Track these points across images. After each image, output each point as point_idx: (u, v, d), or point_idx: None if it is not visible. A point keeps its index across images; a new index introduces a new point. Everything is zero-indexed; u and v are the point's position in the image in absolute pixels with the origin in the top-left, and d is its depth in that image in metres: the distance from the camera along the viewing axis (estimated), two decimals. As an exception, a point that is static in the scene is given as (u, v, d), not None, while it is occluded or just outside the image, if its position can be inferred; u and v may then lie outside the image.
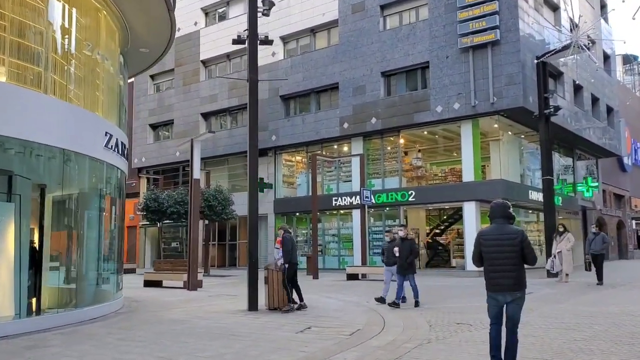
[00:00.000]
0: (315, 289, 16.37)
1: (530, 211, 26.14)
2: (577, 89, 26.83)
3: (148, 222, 29.36)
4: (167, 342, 7.61)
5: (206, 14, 31.64)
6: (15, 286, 8.83)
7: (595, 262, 16.03)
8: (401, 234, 11.97)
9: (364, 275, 21.43)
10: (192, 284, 16.82)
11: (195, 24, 31.44)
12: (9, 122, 8.45)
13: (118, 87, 13.19)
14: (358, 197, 23.07)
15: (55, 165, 9.79)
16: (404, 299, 11.67)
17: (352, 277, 20.72)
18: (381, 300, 11.98)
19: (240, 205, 28.31)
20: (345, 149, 26.32)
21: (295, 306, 11.13)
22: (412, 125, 23.57)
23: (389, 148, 25.06)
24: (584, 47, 19.27)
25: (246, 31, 12.97)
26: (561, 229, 17.05)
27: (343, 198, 25.26)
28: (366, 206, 22.33)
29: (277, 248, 11.81)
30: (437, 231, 27.41)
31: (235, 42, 13.16)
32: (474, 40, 21.49)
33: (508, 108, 21.10)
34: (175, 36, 32.22)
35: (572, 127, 25.48)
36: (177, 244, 32.20)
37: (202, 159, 30.85)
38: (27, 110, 8.80)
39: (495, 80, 21.20)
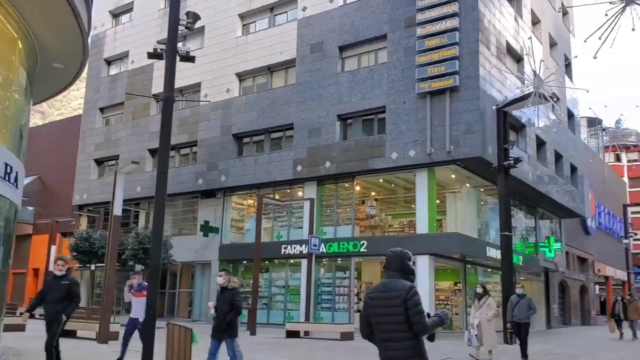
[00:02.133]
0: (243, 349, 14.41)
1: (489, 269, 24.73)
2: (540, 144, 26.03)
3: (80, 265, 27.06)
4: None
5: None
6: None
7: (519, 332, 13.03)
8: (220, 281, 9.08)
9: (306, 333, 19.49)
10: (103, 336, 14.73)
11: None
12: None
13: (18, 108, 11.46)
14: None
15: None
16: None
17: (292, 334, 18.75)
18: None
19: (183, 250, 26.37)
20: (300, 193, 24.75)
21: None
22: (367, 172, 22.22)
23: (343, 194, 23.59)
24: (545, 96, 18.37)
25: (164, 44, 11.46)
26: (480, 291, 12.90)
27: (293, 246, 23.48)
28: (314, 255, 20.61)
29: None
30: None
31: (151, 55, 11.64)
32: (432, 86, 20.51)
33: (465, 157, 19.94)
34: (129, 68, 31.00)
35: (534, 183, 24.46)
36: (115, 291, 29.65)
37: (144, 198, 29.10)
38: None
39: (452, 128, 20.12)
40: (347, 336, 17.62)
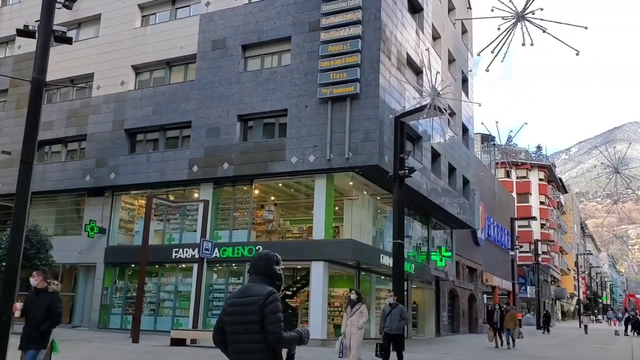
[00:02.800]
0: (111, 357, 13.37)
1: (382, 277, 24.96)
2: (435, 156, 26.81)
3: None
4: None
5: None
6: None
7: (394, 343, 12.30)
8: (32, 282, 7.71)
9: (193, 341, 18.59)
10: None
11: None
12: None
13: None
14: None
15: None
16: None
17: (178, 342, 17.78)
18: None
19: (67, 251, 24.51)
20: (196, 195, 23.75)
21: None
22: (266, 175, 21.74)
23: (240, 198, 22.92)
24: (441, 109, 18.83)
25: (38, 22, 10.39)
26: (354, 297, 11.89)
27: (185, 250, 22.46)
28: (205, 260, 19.78)
29: None
30: (289, 293, 25.30)
31: (21, 32, 10.53)
32: (333, 92, 20.44)
33: (363, 165, 20.02)
34: (16, 53, 28.54)
35: (427, 193, 25.10)
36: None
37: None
38: None
39: (352, 135, 20.14)
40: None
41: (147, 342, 18.44)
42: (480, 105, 32.51)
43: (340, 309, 24.11)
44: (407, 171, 19.75)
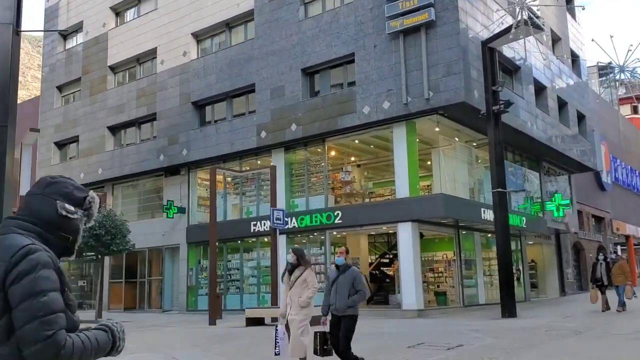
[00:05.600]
0: (173, 343, 11.80)
1: (489, 235, 21.64)
2: (540, 89, 22.82)
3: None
4: None
5: (117, 14, 27.50)
6: None
7: (338, 329, 7.13)
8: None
9: (275, 319, 16.82)
10: None
11: (104, 25, 27.26)
12: None
13: None
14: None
15: None
16: None
17: (254, 321, 16.07)
18: None
19: (151, 234, 23.88)
20: (272, 163, 21.89)
21: None
22: (337, 132, 19.28)
23: (314, 161, 20.70)
24: (534, 23, 15.24)
25: None
26: (291, 259, 7.62)
27: (262, 222, 20.71)
28: (278, 231, 17.87)
29: None
30: (385, 260, 22.92)
31: None
32: (404, 23, 17.42)
33: (447, 104, 16.91)
34: (82, 40, 28.21)
35: (534, 132, 21.35)
36: (84, 283, 27.38)
37: (108, 180, 26.52)
38: None
39: (431, 71, 17.08)
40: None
41: (224, 324, 16.98)
42: (583, 9, 27.53)
43: (443, 274, 21.38)
44: (502, 106, 16.46)
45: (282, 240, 19.82)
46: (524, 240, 24.05)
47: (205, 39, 23.93)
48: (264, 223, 20.61)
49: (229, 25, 23.05)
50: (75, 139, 27.83)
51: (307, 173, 20.49)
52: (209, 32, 23.58)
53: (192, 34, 23.72)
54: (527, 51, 19.87)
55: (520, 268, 23.69)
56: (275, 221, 17.37)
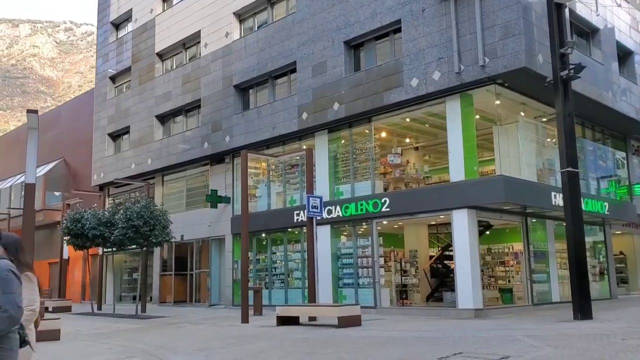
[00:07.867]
0: (181, 345, 10.46)
1: (564, 223, 18.81)
2: (626, 54, 19.66)
3: (109, 250, 24.30)
4: None
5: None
6: None
7: None
8: None
9: (312, 319, 15.22)
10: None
11: (151, 11, 26.63)
12: None
13: None
14: (325, 210, 17.28)
15: None
16: None
17: (288, 320, 14.53)
18: None
19: (199, 225, 23.01)
20: (316, 146, 20.22)
21: None
22: (383, 109, 17.27)
23: (360, 143, 18.79)
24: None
25: None
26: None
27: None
28: (314, 220, 16.17)
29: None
30: (448, 253, 20.68)
31: None
32: (454, -19, 15.14)
33: (506, 71, 14.47)
34: (132, 28, 27.78)
35: (618, 105, 18.33)
36: (137, 275, 26.99)
37: (157, 170, 25.88)
38: None
39: (486, 33, 14.72)
40: (347, 321, 13.15)
41: (258, 322, 15.57)
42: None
43: (509, 268, 18.92)
44: (571, 71, 13.83)
45: (325, 231, 18.18)
46: (608, 230, 21.00)
47: (247, 17, 22.59)
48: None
49: (270, 0, 21.55)
50: (127, 130, 27.48)
51: (353, 157, 18.62)
52: (251, 9, 22.22)
53: (234, 13, 22.47)
54: (605, 7, 16.93)
55: (605, 261, 20.76)
56: (311, 209, 15.72)
